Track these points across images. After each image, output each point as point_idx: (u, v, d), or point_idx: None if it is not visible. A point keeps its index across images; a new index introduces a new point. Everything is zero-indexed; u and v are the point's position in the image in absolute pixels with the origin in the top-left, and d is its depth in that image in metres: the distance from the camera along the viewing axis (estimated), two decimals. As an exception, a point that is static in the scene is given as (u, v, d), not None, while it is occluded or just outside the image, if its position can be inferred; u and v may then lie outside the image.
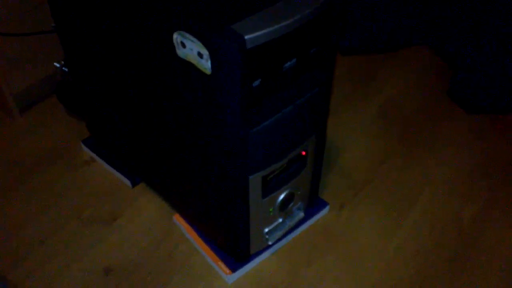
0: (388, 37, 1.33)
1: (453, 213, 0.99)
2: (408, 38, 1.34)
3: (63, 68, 1.04)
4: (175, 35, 0.64)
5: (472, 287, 0.87)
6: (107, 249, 0.93)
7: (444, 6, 1.24)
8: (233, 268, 0.87)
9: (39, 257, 0.92)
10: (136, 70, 0.79)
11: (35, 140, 1.14)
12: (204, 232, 0.92)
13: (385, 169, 1.07)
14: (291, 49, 0.67)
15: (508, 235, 0.95)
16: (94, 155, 1.09)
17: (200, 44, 0.61)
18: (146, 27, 0.70)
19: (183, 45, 0.64)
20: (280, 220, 0.86)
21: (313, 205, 0.96)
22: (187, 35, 0.62)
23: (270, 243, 0.86)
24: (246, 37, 0.59)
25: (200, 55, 0.62)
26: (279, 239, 0.89)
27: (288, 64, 0.68)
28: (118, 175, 1.05)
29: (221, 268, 0.87)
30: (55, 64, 1.05)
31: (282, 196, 0.82)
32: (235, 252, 0.87)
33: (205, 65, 0.63)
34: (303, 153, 0.81)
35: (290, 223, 0.88)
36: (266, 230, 0.85)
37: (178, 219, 0.95)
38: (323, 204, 0.97)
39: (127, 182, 1.03)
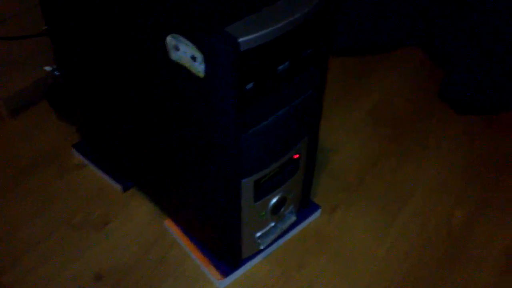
0: (379, 38, 1.33)
1: (445, 213, 0.99)
2: (399, 39, 1.35)
3: (54, 72, 1.04)
4: (168, 38, 0.64)
5: (464, 287, 0.88)
6: (98, 254, 0.92)
7: (435, 7, 1.25)
8: (225, 273, 0.86)
9: (28, 262, 0.90)
10: (128, 73, 0.79)
11: (25, 145, 1.13)
12: (196, 237, 0.91)
13: (376, 170, 1.08)
14: (285, 51, 0.67)
15: (499, 235, 0.96)
16: (85, 160, 1.08)
17: (194, 47, 0.61)
18: (139, 30, 0.70)
19: (177, 48, 0.64)
20: (272, 224, 0.86)
21: (305, 208, 0.96)
22: (181, 38, 0.62)
23: (262, 247, 0.86)
24: (240, 39, 0.59)
25: (193, 58, 0.62)
26: (271, 243, 0.89)
27: (281, 66, 0.68)
28: (109, 179, 1.04)
29: (212, 273, 0.87)
30: (46, 68, 1.05)
31: (274, 200, 0.82)
32: (227, 257, 0.86)
33: (199, 68, 0.63)
34: (296, 156, 0.81)
35: (282, 227, 0.87)
36: (258, 234, 0.85)
37: (169, 224, 0.95)
38: (315, 207, 0.97)
39: (118, 186, 1.02)
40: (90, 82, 0.92)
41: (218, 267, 0.87)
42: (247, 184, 0.76)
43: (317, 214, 0.97)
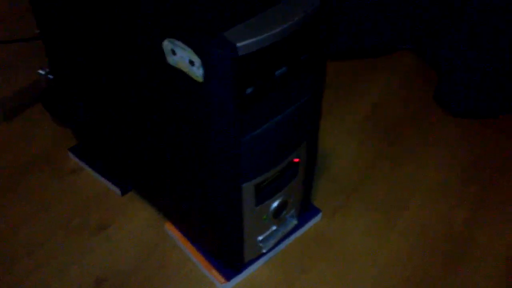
0: (374, 42, 1.33)
1: (445, 215, 0.99)
2: (393, 43, 1.35)
3: (48, 75, 1.02)
4: (165, 43, 0.63)
5: (466, 289, 0.88)
6: (98, 258, 0.91)
7: (428, 11, 1.24)
8: (228, 277, 0.86)
9: (26, 268, 0.89)
10: (125, 77, 0.78)
11: (21, 148, 1.11)
12: (197, 240, 0.90)
13: (375, 173, 1.07)
14: (283, 56, 0.67)
15: (499, 237, 0.95)
16: (81, 163, 1.07)
17: (192, 51, 0.60)
18: (136, 34, 0.69)
19: (174, 53, 0.63)
20: (274, 227, 0.85)
21: (306, 211, 0.95)
22: (178, 42, 0.61)
23: (264, 251, 0.85)
24: (238, 44, 0.59)
25: (191, 62, 0.61)
26: (273, 247, 0.88)
27: (279, 71, 0.67)
28: (106, 183, 1.03)
29: (215, 277, 0.86)
30: (39, 71, 1.03)
31: (275, 204, 0.81)
32: (229, 261, 0.86)
33: (197, 73, 0.62)
34: (296, 160, 0.80)
35: (284, 230, 0.87)
36: (260, 238, 0.84)
37: (169, 228, 0.94)
38: (316, 210, 0.97)
39: (116, 190, 1.01)
40: (85, 86, 0.91)
41: (220, 270, 0.86)
42: (248, 188, 0.75)
43: (318, 217, 0.96)
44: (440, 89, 1.21)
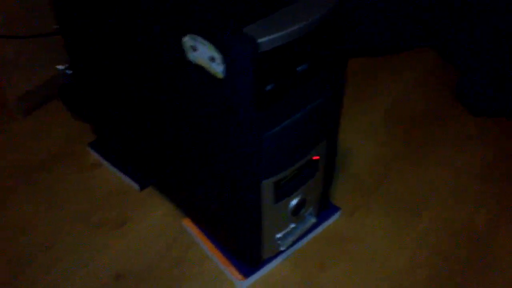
0: (391, 39, 1.31)
1: (465, 216, 0.97)
2: (411, 40, 1.33)
3: (67, 70, 1.02)
4: (186, 39, 0.62)
5: (488, 292, 0.86)
6: (117, 253, 0.91)
7: (449, 7, 1.22)
8: (246, 274, 0.85)
9: (45, 262, 0.90)
10: (144, 73, 0.78)
11: (40, 143, 1.12)
12: (215, 237, 0.90)
13: (394, 172, 1.05)
14: (304, 52, 0.66)
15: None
16: (101, 158, 1.07)
17: (213, 47, 0.60)
18: (156, 29, 0.68)
19: (194, 49, 0.62)
20: (293, 225, 0.85)
21: (325, 210, 0.94)
22: (199, 38, 0.61)
23: (282, 248, 0.84)
24: (259, 40, 0.58)
25: (212, 59, 0.61)
26: (292, 245, 0.87)
27: (301, 67, 0.66)
28: (125, 178, 1.03)
29: (232, 274, 0.86)
30: (58, 66, 1.03)
31: (294, 201, 0.81)
32: (247, 258, 0.85)
33: (217, 69, 0.61)
34: (316, 157, 0.79)
35: (303, 228, 0.86)
36: (279, 235, 0.83)
37: (187, 224, 0.94)
38: (335, 208, 0.96)
39: (135, 185, 1.01)
40: (104, 82, 0.91)
41: (238, 267, 0.86)
42: (267, 185, 0.74)
43: (336, 216, 0.96)
44: (460, 87, 1.19)
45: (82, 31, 0.86)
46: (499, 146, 1.11)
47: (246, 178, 0.72)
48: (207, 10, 0.62)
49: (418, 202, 1.00)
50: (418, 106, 1.21)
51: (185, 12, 0.63)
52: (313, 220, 0.87)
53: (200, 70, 0.63)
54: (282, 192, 0.78)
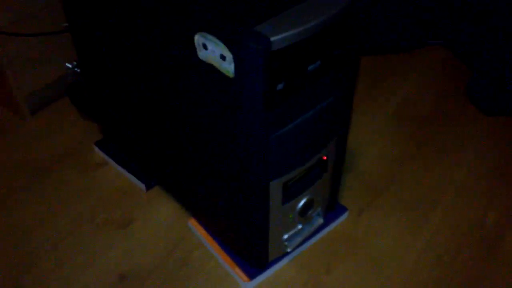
0: (402, 37, 1.30)
1: (475, 216, 0.96)
2: (422, 38, 1.32)
3: (75, 69, 1.03)
4: (197, 37, 0.62)
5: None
6: (122, 253, 0.91)
7: (460, 5, 1.22)
8: (251, 276, 0.85)
9: (51, 262, 0.90)
10: (153, 72, 0.77)
11: (47, 142, 1.12)
12: (221, 237, 0.90)
13: (403, 172, 1.05)
14: (316, 50, 0.65)
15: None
16: (107, 158, 1.07)
17: (223, 46, 0.59)
18: (166, 28, 0.68)
19: (205, 47, 0.62)
20: (300, 226, 0.84)
21: (332, 210, 0.94)
22: (210, 36, 0.60)
23: (289, 249, 0.84)
24: (272, 38, 0.57)
25: (222, 57, 0.60)
26: (298, 246, 0.87)
27: (312, 66, 0.66)
28: (131, 178, 1.03)
29: (238, 275, 0.85)
30: (67, 65, 1.04)
31: (302, 202, 0.80)
32: (253, 259, 0.85)
33: (228, 68, 0.61)
34: (324, 157, 0.79)
35: (310, 229, 0.85)
36: (285, 236, 0.83)
37: (193, 224, 0.93)
38: (342, 209, 0.95)
39: (141, 185, 1.01)
40: (112, 80, 0.91)
41: (244, 269, 0.86)
42: (275, 186, 0.74)
43: (344, 216, 0.95)
44: (471, 87, 1.18)
45: (91, 30, 0.86)
46: (510, 146, 1.10)
47: (254, 179, 0.71)
48: (218, 8, 0.62)
49: (427, 202, 0.99)
50: (429, 105, 1.21)
51: (196, 10, 0.62)
52: (320, 220, 0.87)
53: (210, 69, 0.63)
54: (290, 193, 0.77)
